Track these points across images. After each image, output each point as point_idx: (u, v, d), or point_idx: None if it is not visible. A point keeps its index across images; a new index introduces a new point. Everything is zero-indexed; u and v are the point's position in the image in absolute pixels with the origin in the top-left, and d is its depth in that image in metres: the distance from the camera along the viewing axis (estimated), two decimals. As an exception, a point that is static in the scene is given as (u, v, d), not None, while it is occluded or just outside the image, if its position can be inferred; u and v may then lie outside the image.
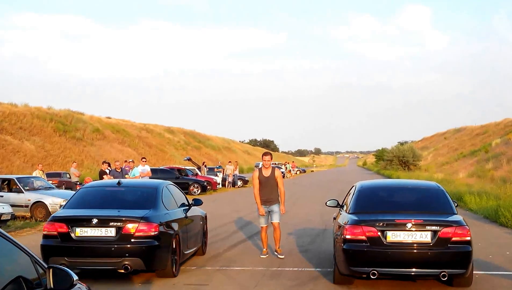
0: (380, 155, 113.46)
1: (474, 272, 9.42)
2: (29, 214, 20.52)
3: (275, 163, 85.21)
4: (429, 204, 10.07)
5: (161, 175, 33.67)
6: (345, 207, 10.34)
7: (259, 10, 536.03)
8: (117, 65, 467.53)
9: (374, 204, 10.10)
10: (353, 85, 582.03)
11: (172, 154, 77.27)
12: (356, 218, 9.24)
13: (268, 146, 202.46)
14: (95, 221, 9.66)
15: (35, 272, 4.30)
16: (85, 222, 9.82)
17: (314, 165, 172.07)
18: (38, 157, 43.75)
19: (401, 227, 8.91)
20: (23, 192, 21.00)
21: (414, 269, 8.97)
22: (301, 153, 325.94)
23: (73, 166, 29.88)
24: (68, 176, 33.16)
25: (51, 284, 4.23)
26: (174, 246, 10.23)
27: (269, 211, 12.34)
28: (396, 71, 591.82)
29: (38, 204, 20.62)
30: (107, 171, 23.10)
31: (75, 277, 4.37)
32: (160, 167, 40.93)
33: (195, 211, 12.69)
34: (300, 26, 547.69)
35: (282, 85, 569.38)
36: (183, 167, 40.84)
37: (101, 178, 22.67)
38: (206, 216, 13.85)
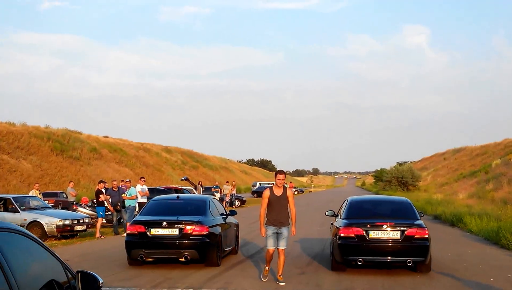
0: (379, 175, 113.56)
1: None
2: (25, 234, 20.28)
3: (272, 183, 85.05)
4: (399, 212, 13.94)
5: (158, 195, 33.56)
6: (339, 215, 14.14)
7: (255, 30, 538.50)
8: (115, 84, 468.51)
9: (361, 212, 14.05)
10: (351, 105, 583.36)
11: (170, 173, 77.19)
12: (347, 222, 13.09)
13: (265, 166, 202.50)
14: (164, 223, 13.51)
15: (65, 277, 4.70)
16: (157, 224, 13.59)
17: (312, 186, 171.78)
18: (35, 177, 43.62)
19: (379, 228, 12.67)
20: (19, 212, 20.81)
21: (389, 257, 12.65)
22: (299, 173, 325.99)
23: (70, 185, 29.73)
24: (64, 195, 33.02)
25: (79, 287, 4.65)
26: (218, 244, 13.87)
27: (277, 233, 11.87)
28: (395, 91, 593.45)
29: (34, 223, 20.45)
30: (103, 191, 23.12)
31: (101, 280, 4.72)
32: (157, 187, 40.79)
33: (230, 219, 16.20)
34: (297, 46, 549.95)
35: (279, 104, 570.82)
36: (180, 187, 40.72)
37: (97, 197, 22.60)
38: (238, 224, 17.41)
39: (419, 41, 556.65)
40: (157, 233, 13.46)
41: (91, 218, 23.45)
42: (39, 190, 28.80)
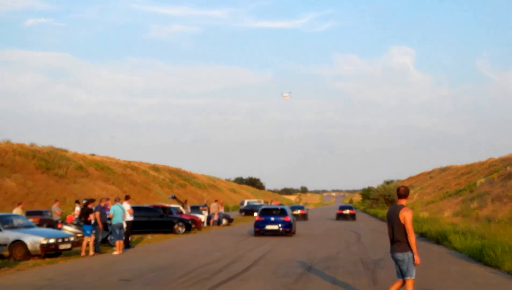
0: (366, 193, 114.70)
1: None
2: (8, 253, 20.04)
3: (259, 201, 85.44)
4: (282, 210, 33.40)
5: (145, 213, 33.63)
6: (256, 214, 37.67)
7: (244, 49, 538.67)
8: (102, 102, 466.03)
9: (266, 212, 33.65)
10: (339, 124, 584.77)
11: (157, 192, 77.03)
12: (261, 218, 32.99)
13: (254, 184, 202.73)
14: (272, 219, 32.29)
15: None
16: (268, 223, 32.31)
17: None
18: (19, 195, 43.29)
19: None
20: (1, 231, 20.47)
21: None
22: (287, 191, 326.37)
23: (56, 204, 29.71)
24: (49, 214, 32.97)
25: None
26: (292, 226, 33.07)
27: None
28: (381, 110, 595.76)
29: (17, 243, 20.17)
30: (92, 209, 23.28)
31: None
32: (145, 205, 40.72)
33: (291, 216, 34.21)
34: (285, 65, 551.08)
35: (267, 123, 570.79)
36: (168, 205, 40.70)
37: (86, 216, 22.47)
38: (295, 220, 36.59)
39: (405, 61, 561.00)
40: (269, 227, 32.46)
41: (77, 236, 23.37)
42: (23, 209, 28.79)
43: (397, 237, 10.03)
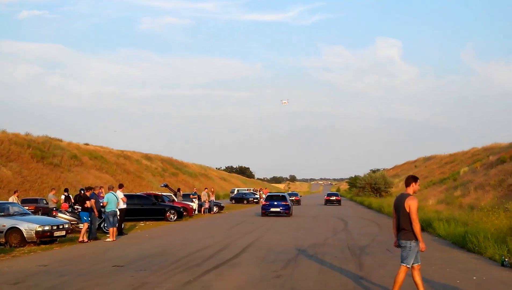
0: (353, 182, 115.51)
1: None
2: (3, 240, 20.33)
3: (249, 189, 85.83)
4: (283, 197, 43.77)
5: (138, 201, 33.94)
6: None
7: (234, 41, 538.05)
8: (96, 93, 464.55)
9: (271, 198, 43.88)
10: (326, 114, 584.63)
11: (150, 180, 77.23)
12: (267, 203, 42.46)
13: (244, 172, 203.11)
14: (275, 203, 41.48)
15: None
16: (272, 206, 41.35)
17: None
18: (15, 183, 43.54)
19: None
20: (-3, 218, 20.83)
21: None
22: (276, 180, 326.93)
23: (52, 192, 29.91)
24: (45, 202, 33.20)
25: None
26: (290, 208, 42.72)
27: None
28: (368, 101, 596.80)
29: (13, 229, 20.40)
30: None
31: None
32: (137, 193, 41.08)
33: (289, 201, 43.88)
34: (274, 57, 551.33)
35: (257, 113, 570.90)
36: (160, 194, 41.04)
37: (84, 203, 22.84)
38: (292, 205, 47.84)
39: (391, 53, 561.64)
40: (273, 209, 41.19)
41: (71, 224, 23.69)
42: (18, 197, 29.10)
43: (403, 225, 10.15)
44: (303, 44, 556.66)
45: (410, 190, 10.39)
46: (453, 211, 34.06)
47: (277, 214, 41.20)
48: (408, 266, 10.12)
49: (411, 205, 10.06)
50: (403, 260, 10.17)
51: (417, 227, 10.01)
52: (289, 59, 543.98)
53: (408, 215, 10.06)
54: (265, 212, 41.51)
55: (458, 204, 41.33)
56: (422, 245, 10.13)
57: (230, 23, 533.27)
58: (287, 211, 41.20)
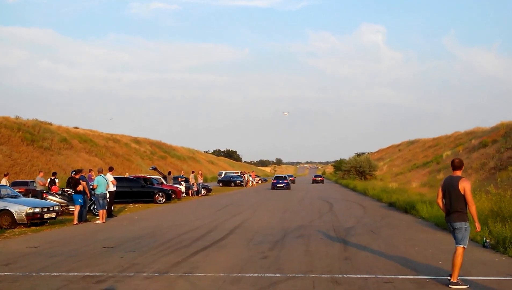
0: (338, 165, 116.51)
1: (425, 276, 11.14)
2: (-6, 222, 20.49)
3: (236, 172, 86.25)
4: (284, 177, 67.21)
5: (127, 184, 34.16)
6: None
7: (222, 26, 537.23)
8: (85, 77, 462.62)
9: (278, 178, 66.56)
10: (312, 98, 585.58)
11: (139, 163, 77.33)
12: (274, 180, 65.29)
13: (231, 156, 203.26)
14: (280, 181, 63.37)
15: None
16: (278, 183, 62.81)
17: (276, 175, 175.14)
18: (5, 166, 43.51)
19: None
20: (-13, 200, 20.92)
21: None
22: (263, 163, 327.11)
23: (40, 175, 29.97)
24: (34, 185, 33.38)
25: None
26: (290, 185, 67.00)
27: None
28: (353, 86, 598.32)
29: (4, 212, 20.61)
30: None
31: None
32: (127, 176, 41.29)
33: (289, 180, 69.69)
34: (261, 42, 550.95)
35: (245, 97, 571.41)
36: (149, 176, 41.25)
37: (76, 186, 23.07)
38: (290, 182, 74.56)
39: (376, 39, 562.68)
40: (279, 185, 62.30)
41: (61, 206, 23.89)
42: (8, 180, 29.23)
43: (456, 207, 10.15)
44: (289, 30, 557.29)
45: (459, 172, 10.44)
46: (436, 193, 33.97)
47: (281, 188, 62.03)
48: (465, 246, 10.18)
49: (466, 186, 10.12)
50: (460, 241, 10.20)
51: (473, 208, 10.14)
52: (276, 45, 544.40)
53: (462, 197, 10.13)
54: (274, 187, 62.77)
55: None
56: (478, 226, 10.33)
57: (218, 9, 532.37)
58: (287, 187, 63.26)
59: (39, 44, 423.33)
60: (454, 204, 10.19)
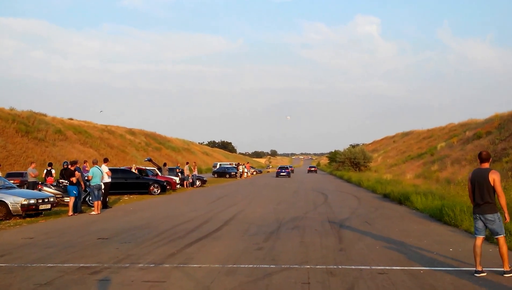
0: (333, 156, 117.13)
1: (419, 267, 11.11)
2: (-11, 213, 20.46)
3: (231, 164, 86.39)
4: (286, 167, 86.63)
5: (122, 175, 34.18)
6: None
7: (216, 17, 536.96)
8: (79, 68, 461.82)
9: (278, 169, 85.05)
10: (307, 90, 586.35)
11: (133, 155, 77.35)
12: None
13: (226, 147, 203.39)
14: (283, 170, 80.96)
15: None
16: (281, 172, 79.90)
17: (270, 166, 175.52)
18: (0, 157, 43.63)
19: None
20: (-18, 191, 20.86)
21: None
22: (258, 154, 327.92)
23: (32, 166, 29.88)
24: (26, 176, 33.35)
25: None
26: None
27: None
28: (348, 77, 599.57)
29: (-1, 203, 20.62)
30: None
31: None
32: (121, 167, 41.30)
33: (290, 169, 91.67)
34: (255, 33, 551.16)
35: (239, 88, 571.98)
36: (144, 168, 41.27)
37: (71, 177, 23.09)
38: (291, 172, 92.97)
39: (370, 30, 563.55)
40: (282, 173, 79.16)
41: (56, 197, 23.87)
42: (1, 171, 29.20)
43: (486, 199, 10.19)
44: (284, 21, 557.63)
45: (487, 164, 10.47)
46: (431, 185, 34.54)
47: (283, 176, 78.29)
48: (504, 235, 10.30)
49: (496, 178, 10.18)
50: (498, 233, 10.30)
51: (504, 199, 10.22)
52: (270, 36, 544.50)
53: (492, 188, 10.20)
54: (278, 175, 79.22)
55: (435, 178, 41.90)
56: (508, 217, 10.34)
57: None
58: (288, 175, 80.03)
59: (33, 35, 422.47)
60: (486, 196, 10.26)
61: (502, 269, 10.40)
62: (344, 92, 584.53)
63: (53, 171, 30.87)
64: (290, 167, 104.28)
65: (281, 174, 78.98)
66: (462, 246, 13.72)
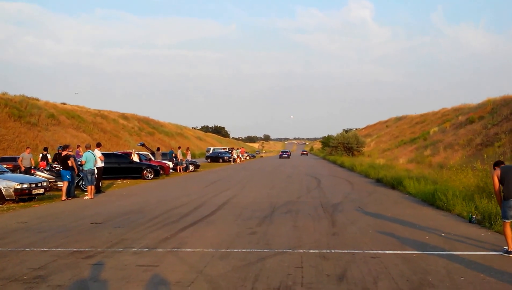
0: (326, 141, 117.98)
1: (412, 251, 11.17)
2: (-18, 198, 20.48)
3: (224, 148, 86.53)
4: (287, 151, 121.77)
5: (115, 160, 34.18)
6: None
7: (209, 2, 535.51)
8: (72, 52, 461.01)
9: (281, 152, 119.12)
10: (300, 75, 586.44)
11: (127, 139, 77.30)
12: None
13: (219, 132, 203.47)
14: (285, 153, 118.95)
15: None
16: (283, 154, 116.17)
17: (264, 151, 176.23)
18: (-8, 142, 43.55)
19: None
20: (-25, 176, 20.84)
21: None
22: (251, 139, 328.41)
23: (27, 151, 29.76)
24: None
25: None
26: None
27: None
28: (340, 62, 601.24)
29: (-9, 187, 20.57)
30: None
31: None
32: (115, 152, 41.26)
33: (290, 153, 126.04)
34: (249, 18, 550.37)
35: (232, 73, 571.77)
36: (137, 152, 41.24)
37: (65, 162, 23.05)
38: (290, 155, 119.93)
39: (364, 15, 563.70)
40: (284, 156, 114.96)
41: (49, 182, 23.86)
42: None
43: None
44: (277, 6, 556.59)
45: None
46: (423, 169, 34.61)
47: (284, 158, 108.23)
48: None
49: None
50: None
51: None
52: (264, 21, 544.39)
53: None
54: (280, 156, 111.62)
55: (428, 163, 42.11)
56: None
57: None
58: (288, 156, 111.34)
59: (23, 20, 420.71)
60: None
61: (493, 253, 10.56)
62: (338, 77, 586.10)
63: (48, 156, 30.83)
64: (289, 151, 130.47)
65: (283, 156, 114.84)
66: (455, 231, 13.78)
